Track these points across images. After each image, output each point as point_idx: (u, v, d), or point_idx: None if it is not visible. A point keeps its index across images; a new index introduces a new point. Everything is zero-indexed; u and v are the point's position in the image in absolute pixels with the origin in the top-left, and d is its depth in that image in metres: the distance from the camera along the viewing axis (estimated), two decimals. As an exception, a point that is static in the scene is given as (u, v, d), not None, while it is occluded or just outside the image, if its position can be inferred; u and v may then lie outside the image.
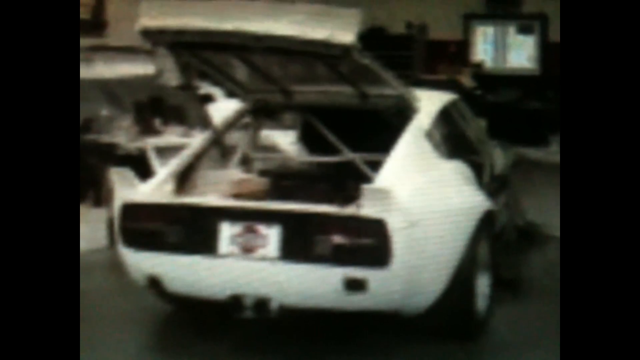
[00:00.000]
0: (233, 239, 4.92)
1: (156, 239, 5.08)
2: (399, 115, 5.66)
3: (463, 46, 17.78)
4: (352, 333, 5.49)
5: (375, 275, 4.73)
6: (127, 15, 5.69)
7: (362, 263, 4.74)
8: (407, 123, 5.54)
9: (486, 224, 5.54)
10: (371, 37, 6.92)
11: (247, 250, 4.90)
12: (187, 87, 5.92)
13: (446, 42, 17.49)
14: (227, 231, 4.94)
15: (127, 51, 9.52)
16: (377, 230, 4.69)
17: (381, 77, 5.39)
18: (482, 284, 5.53)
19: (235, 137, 6.36)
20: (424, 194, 5.12)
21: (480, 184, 6.03)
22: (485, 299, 5.59)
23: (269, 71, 5.96)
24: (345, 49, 4.83)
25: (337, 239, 4.76)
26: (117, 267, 5.57)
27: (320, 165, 6.50)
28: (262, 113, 6.36)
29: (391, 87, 5.59)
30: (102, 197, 8.23)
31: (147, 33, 5.11)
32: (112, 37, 11.65)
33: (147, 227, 5.15)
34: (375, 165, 5.37)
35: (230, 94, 6.50)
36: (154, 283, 5.16)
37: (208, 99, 9.78)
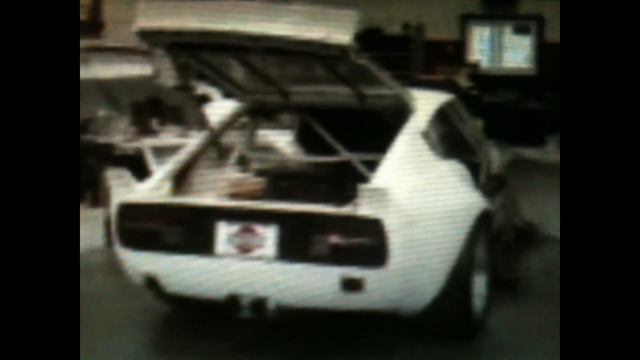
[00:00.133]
0: (230, 238, 4.93)
1: (153, 239, 5.09)
2: (396, 116, 5.66)
3: (460, 46, 17.78)
4: (351, 333, 5.49)
5: (372, 275, 4.74)
6: (124, 16, 5.69)
7: (359, 263, 4.74)
8: (404, 123, 5.54)
9: (483, 224, 5.54)
10: (368, 38, 6.90)
11: (244, 250, 4.90)
12: (184, 88, 5.91)
13: (443, 42, 17.49)
14: (224, 231, 4.94)
15: (125, 52, 9.52)
16: (374, 230, 4.69)
17: (378, 77, 5.39)
18: (480, 284, 5.53)
19: (233, 138, 6.36)
20: (420, 194, 5.12)
21: (477, 184, 6.04)
22: (483, 299, 5.59)
23: (266, 72, 5.96)
24: (342, 50, 4.83)
25: (334, 238, 4.76)
26: (114, 267, 5.58)
27: (317, 165, 6.50)
28: (259, 113, 6.37)
29: (388, 88, 5.59)
30: (99, 198, 8.22)
31: (144, 34, 5.11)
32: (109, 38, 11.65)
33: (144, 227, 5.16)
34: (372, 165, 5.37)
35: (228, 95, 6.50)
36: (152, 283, 5.16)
37: (205, 99, 9.78)
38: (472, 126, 7.01)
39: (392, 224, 4.70)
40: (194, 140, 6.08)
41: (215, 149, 6.04)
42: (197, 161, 5.79)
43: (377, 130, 5.62)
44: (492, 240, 5.93)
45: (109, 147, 8.87)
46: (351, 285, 4.75)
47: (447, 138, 6.02)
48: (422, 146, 5.55)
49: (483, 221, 5.53)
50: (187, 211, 5.15)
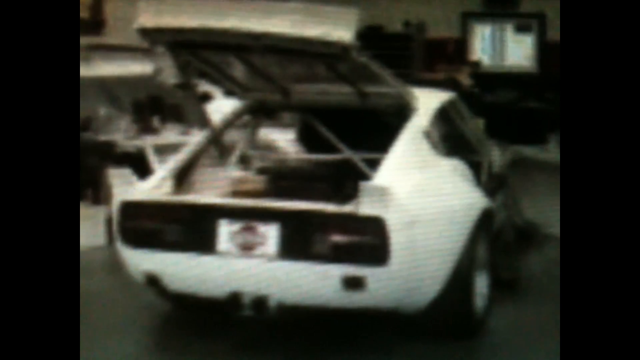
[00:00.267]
0: (231, 237, 4.93)
1: (155, 238, 5.09)
2: (397, 114, 5.67)
3: (461, 45, 17.76)
4: (351, 332, 5.49)
5: (374, 274, 4.74)
6: (125, 14, 5.70)
7: (361, 261, 4.75)
8: (405, 122, 5.55)
9: (484, 223, 5.54)
10: (369, 36, 6.91)
11: (246, 248, 4.90)
12: (185, 86, 5.91)
13: (444, 40, 17.48)
14: (225, 229, 4.94)
15: (125, 50, 9.51)
16: (375, 228, 4.69)
17: (379, 76, 5.39)
18: (481, 283, 5.53)
19: (234, 136, 6.36)
20: (422, 193, 5.13)
21: (478, 182, 6.04)
22: (484, 298, 5.59)
23: (267, 70, 5.96)
24: (343, 48, 4.83)
25: (336, 237, 4.77)
26: (115, 265, 5.58)
27: (318, 163, 6.50)
28: (260, 112, 6.37)
29: (389, 86, 5.59)
30: (100, 196, 8.23)
31: (146, 32, 5.11)
32: (110, 36, 11.65)
33: (145, 225, 5.17)
34: (374, 164, 5.38)
35: (229, 93, 6.50)
36: (153, 281, 5.17)
37: (206, 97, 9.77)
38: (474, 125, 7.00)
39: (393, 222, 4.70)
40: (195, 139, 6.08)
41: (217, 147, 6.05)
42: (199, 160, 5.80)
43: (378, 128, 5.62)
44: (493, 240, 5.93)
45: (110, 145, 8.86)
46: (352, 283, 4.76)
47: (449, 137, 6.02)
48: (424, 145, 5.55)
49: (484, 220, 5.53)
50: (189, 209, 5.15)
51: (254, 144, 6.44)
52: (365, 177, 5.30)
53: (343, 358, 5.22)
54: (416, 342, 5.36)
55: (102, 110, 9.58)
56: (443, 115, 6.05)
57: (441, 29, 17.46)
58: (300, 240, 4.83)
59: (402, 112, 5.67)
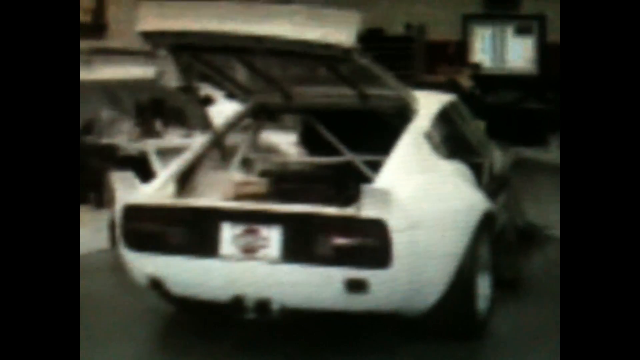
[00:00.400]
0: (234, 240, 4.93)
1: (158, 241, 5.09)
2: (399, 117, 5.68)
3: (462, 47, 17.77)
4: (352, 333, 5.50)
5: (376, 276, 4.74)
6: (127, 17, 5.71)
7: (363, 264, 4.75)
8: (407, 124, 5.56)
9: (486, 225, 5.55)
10: (370, 38, 6.94)
11: (248, 251, 4.90)
12: (187, 89, 5.92)
13: (445, 43, 17.49)
14: (228, 232, 4.95)
15: (128, 53, 9.53)
16: (377, 231, 4.70)
17: (380, 78, 5.40)
18: (483, 285, 5.54)
19: (236, 139, 6.38)
20: (424, 195, 5.13)
21: (479, 184, 6.05)
22: (486, 299, 5.60)
23: (269, 73, 5.98)
24: (344, 51, 4.84)
25: (338, 240, 4.77)
26: (118, 268, 5.59)
27: (320, 166, 6.51)
28: (262, 114, 6.38)
29: (390, 89, 5.60)
30: (103, 199, 8.24)
31: (148, 35, 5.12)
32: (113, 40, 11.66)
33: (148, 228, 5.16)
34: (375, 166, 5.38)
35: (231, 96, 6.52)
36: (156, 284, 5.17)
37: (208, 100, 9.78)
38: (475, 127, 7.01)
39: (395, 224, 4.70)
40: (197, 142, 6.09)
41: (219, 150, 6.05)
42: (201, 163, 5.80)
43: (380, 131, 5.63)
44: (495, 241, 5.94)
45: (112, 148, 8.88)
46: (355, 286, 4.76)
47: (450, 139, 6.03)
48: (425, 147, 5.56)
49: (486, 222, 5.54)
50: (191, 212, 5.15)
51: (256, 146, 6.45)
52: (367, 180, 5.31)
53: (344, 358, 5.22)
54: (418, 343, 5.36)
55: (105, 114, 9.59)
56: (444, 117, 6.06)
57: (442, 31, 17.47)
58: (302, 243, 4.83)
59: (403, 114, 5.68)
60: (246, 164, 6.26)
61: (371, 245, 4.74)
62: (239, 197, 5.67)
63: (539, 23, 17.38)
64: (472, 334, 5.41)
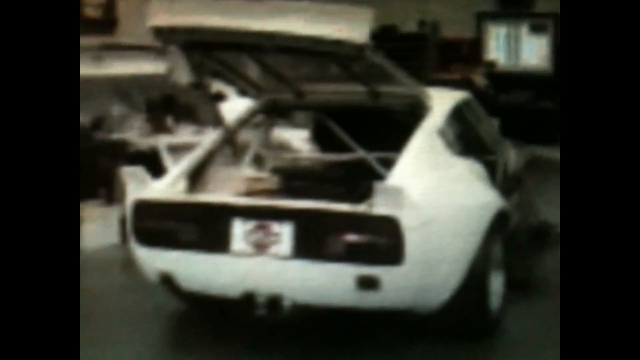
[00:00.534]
0: (245, 236, 4.91)
1: (169, 237, 5.08)
2: (412, 114, 5.65)
3: (476, 45, 17.71)
4: (365, 332, 5.47)
5: (388, 274, 4.72)
6: (138, 13, 5.69)
7: (375, 261, 4.73)
8: (420, 121, 5.53)
9: (499, 223, 5.51)
10: (383, 36, 6.91)
11: (260, 248, 4.88)
12: (198, 86, 5.91)
13: (459, 41, 17.44)
14: (239, 229, 4.93)
15: (138, 49, 9.52)
16: (389, 228, 4.67)
17: (393, 75, 5.38)
18: (496, 283, 5.50)
19: (248, 136, 6.36)
20: (436, 192, 5.10)
21: (493, 182, 6.01)
22: (499, 298, 5.56)
23: (280, 70, 5.95)
24: (357, 48, 4.82)
25: (350, 237, 4.75)
26: (129, 264, 5.58)
27: (332, 163, 6.48)
28: (274, 111, 6.36)
29: (403, 86, 5.57)
30: (114, 195, 8.23)
31: (159, 32, 5.11)
32: (123, 35, 11.65)
33: (159, 224, 5.16)
34: (388, 164, 5.36)
35: (242, 93, 6.49)
36: (167, 280, 5.16)
37: (220, 97, 9.77)
38: (489, 125, 6.97)
39: (407, 222, 4.67)
40: (208, 138, 6.07)
41: (230, 147, 6.04)
42: (212, 159, 5.79)
43: (392, 128, 5.61)
44: (508, 240, 5.90)
45: (123, 144, 8.87)
46: (367, 283, 4.74)
47: (463, 137, 6.00)
48: (438, 144, 5.53)
49: (499, 220, 5.51)
50: (203, 209, 5.14)
51: (267, 143, 6.43)
52: (380, 177, 5.28)
53: (356, 356, 5.20)
54: (429, 341, 5.34)
55: (116, 110, 9.58)
56: (458, 114, 6.02)
57: (456, 29, 17.42)
58: (314, 240, 4.81)
59: (416, 112, 5.65)
60: (258, 161, 6.24)
61: (383, 242, 4.71)
62: (250, 194, 5.65)
63: (554, 21, 17.31)
64: (484, 332, 5.38)
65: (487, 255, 5.26)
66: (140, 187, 5.20)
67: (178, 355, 5.37)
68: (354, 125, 6.21)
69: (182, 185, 5.43)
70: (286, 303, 4.87)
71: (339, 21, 4.79)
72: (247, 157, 6.15)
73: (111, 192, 8.38)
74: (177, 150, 7.94)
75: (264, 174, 6.11)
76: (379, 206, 4.68)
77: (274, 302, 4.87)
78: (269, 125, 6.42)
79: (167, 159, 8.32)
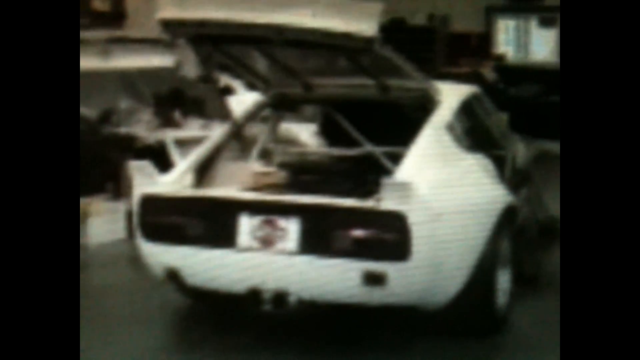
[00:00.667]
0: (252, 232, 4.90)
1: (175, 232, 5.07)
2: (420, 108, 5.62)
3: (485, 39, 17.68)
4: (372, 328, 5.46)
5: (395, 270, 4.70)
6: (146, 6, 5.67)
7: (382, 257, 4.71)
8: (428, 116, 5.50)
9: (508, 219, 5.49)
10: (392, 29, 6.88)
11: (266, 243, 4.87)
12: (207, 79, 5.89)
13: (468, 34, 17.40)
14: (246, 224, 4.91)
15: (147, 42, 9.51)
16: (397, 224, 4.65)
17: (402, 69, 5.35)
18: (503, 280, 5.48)
19: (255, 130, 6.34)
20: (444, 188, 5.08)
21: (501, 177, 5.98)
22: (506, 294, 5.54)
23: (289, 64, 5.93)
24: (366, 41, 4.79)
25: (357, 232, 4.73)
26: (135, 259, 5.57)
27: (340, 158, 6.46)
28: (282, 106, 6.33)
29: (412, 80, 5.55)
30: (121, 189, 8.23)
31: (167, 25, 5.10)
32: (132, 29, 11.65)
33: (166, 219, 5.15)
34: (396, 159, 5.33)
35: (251, 87, 6.47)
36: (173, 276, 5.14)
37: (228, 91, 9.75)
38: (497, 119, 6.94)
39: (415, 218, 4.66)
40: (216, 133, 6.06)
41: (238, 141, 6.02)
42: (220, 153, 5.78)
43: (400, 122, 5.58)
44: (516, 235, 5.87)
45: (131, 138, 8.85)
46: (373, 279, 4.72)
47: (472, 131, 5.96)
48: (447, 139, 5.49)
49: (507, 216, 5.48)
50: (209, 204, 5.13)
51: (275, 137, 6.41)
52: (387, 172, 5.26)
53: (362, 354, 5.18)
54: (438, 338, 5.32)
55: (123, 103, 9.56)
56: (466, 109, 5.99)
57: (465, 22, 17.39)
58: (320, 235, 4.80)
59: (424, 106, 5.61)
60: (265, 155, 6.22)
61: (390, 238, 4.70)
62: (257, 188, 5.63)
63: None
64: (491, 329, 5.36)
65: (495, 251, 5.24)
66: (147, 181, 5.19)
67: (184, 350, 5.36)
68: (362, 119, 6.18)
69: (189, 179, 5.42)
70: (292, 299, 4.85)
71: (348, 14, 4.77)
72: (255, 152, 6.13)
73: (118, 187, 8.38)
74: (185, 144, 7.92)
75: (271, 169, 6.09)
76: (386, 201, 4.66)
77: (280, 297, 4.85)
78: (276, 119, 6.40)
79: (174, 153, 8.30)
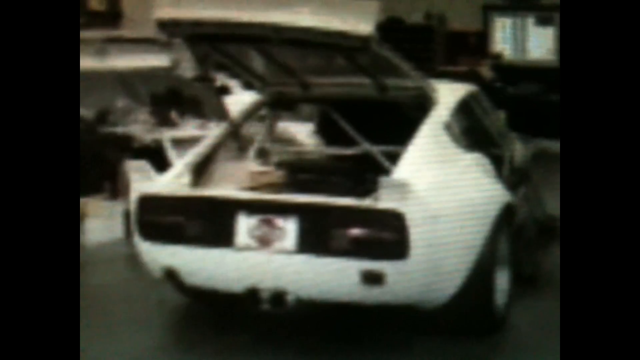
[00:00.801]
0: (250, 231, 4.89)
1: (173, 232, 5.07)
2: (418, 107, 5.61)
3: (482, 37, 17.68)
4: (371, 328, 5.45)
5: (393, 269, 4.69)
6: (143, 6, 5.66)
7: (380, 256, 4.71)
8: (426, 115, 5.49)
9: (506, 218, 5.49)
10: (389, 28, 6.87)
11: (264, 242, 4.86)
12: (204, 79, 5.89)
13: (465, 33, 17.40)
14: (244, 224, 4.91)
15: (143, 42, 9.50)
16: (395, 222, 4.65)
17: (399, 68, 5.35)
18: (502, 279, 5.47)
19: (253, 129, 6.33)
20: (442, 187, 5.07)
21: (499, 176, 5.97)
22: (505, 294, 5.53)
23: (286, 63, 5.92)
24: (363, 40, 4.79)
25: (355, 231, 4.73)
26: (133, 259, 5.57)
27: (337, 157, 6.45)
28: (279, 105, 6.32)
29: (410, 79, 5.54)
30: (118, 189, 8.22)
31: (163, 25, 5.09)
32: (128, 28, 11.65)
33: (163, 219, 5.14)
34: (394, 158, 5.32)
35: (248, 86, 6.47)
36: (171, 275, 5.14)
37: (225, 90, 9.75)
38: (495, 118, 6.93)
39: (413, 217, 4.65)
40: (213, 132, 6.06)
41: (235, 140, 6.01)
42: (217, 153, 5.77)
43: (398, 122, 5.57)
44: (515, 235, 5.87)
45: (128, 138, 8.85)
46: (371, 278, 4.71)
47: (470, 130, 5.96)
48: (444, 138, 5.49)
49: (506, 215, 5.48)
50: (207, 203, 5.12)
51: (272, 137, 6.40)
52: (385, 171, 5.25)
53: (360, 353, 5.17)
54: (436, 338, 5.31)
55: (120, 103, 9.56)
56: (464, 108, 5.98)
57: (462, 20, 17.39)
58: (318, 234, 4.79)
59: (422, 105, 5.61)
60: (262, 154, 6.21)
61: (388, 237, 4.69)
62: (255, 188, 5.63)
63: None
64: (489, 329, 5.35)
65: (493, 250, 5.23)
66: (145, 181, 5.18)
67: (182, 349, 5.35)
68: (359, 119, 6.17)
69: (186, 179, 5.41)
70: (290, 298, 4.85)
71: (344, 13, 4.77)
72: (252, 151, 6.13)
73: (116, 186, 8.37)
74: (182, 143, 7.93)
75: (269, 168, 6.09)
76: (384, 200, 4.66)
77: (278, 297, 4.85)
78: (274, 118, 6.39)
79: (171, 153, 8.31)
